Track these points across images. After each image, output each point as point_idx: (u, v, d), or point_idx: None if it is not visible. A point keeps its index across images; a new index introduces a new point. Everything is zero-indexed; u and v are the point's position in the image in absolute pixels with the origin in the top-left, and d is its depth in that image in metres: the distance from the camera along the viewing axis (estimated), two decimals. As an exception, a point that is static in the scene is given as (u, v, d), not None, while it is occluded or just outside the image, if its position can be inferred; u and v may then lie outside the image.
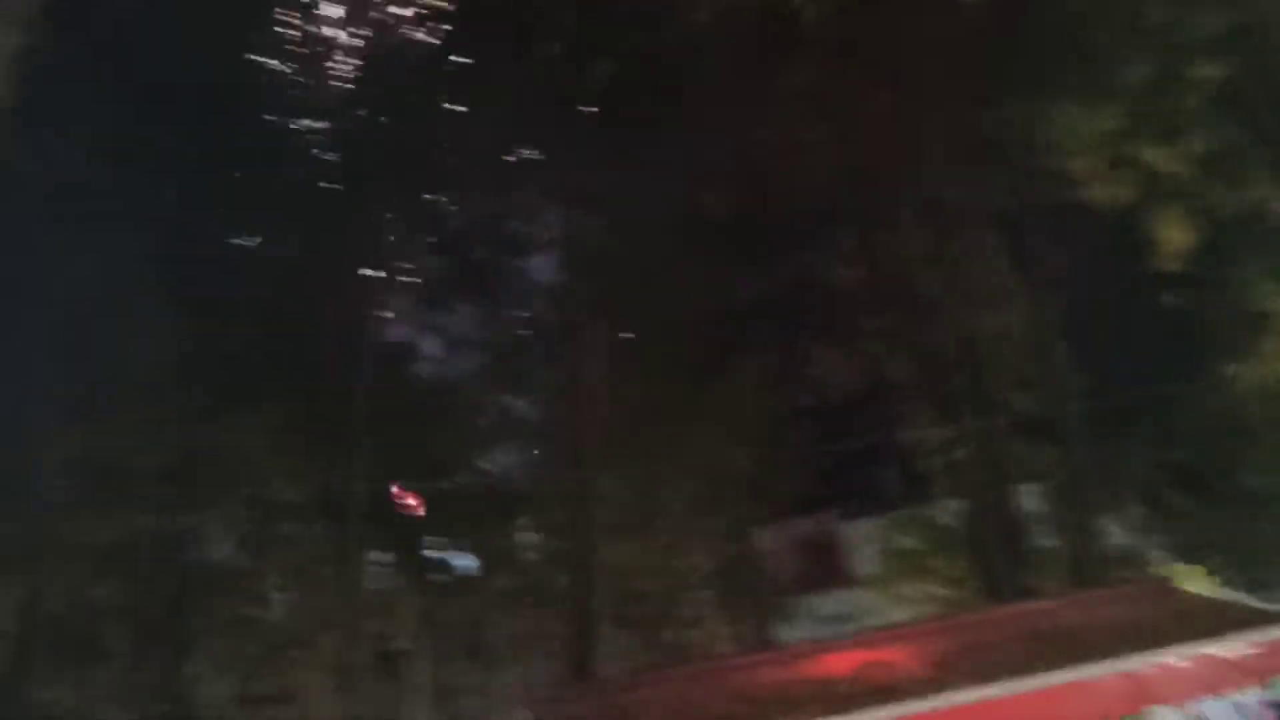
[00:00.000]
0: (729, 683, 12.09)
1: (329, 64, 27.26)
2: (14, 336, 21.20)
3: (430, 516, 31.71)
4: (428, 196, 29.17)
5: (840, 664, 12.24)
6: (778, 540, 35.65)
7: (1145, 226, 17.84)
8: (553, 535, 31.05)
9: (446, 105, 27.44)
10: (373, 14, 27.39)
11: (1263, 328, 19.30)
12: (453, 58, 27.21)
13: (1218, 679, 11.53)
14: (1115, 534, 26.05)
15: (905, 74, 23.49)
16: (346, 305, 27.75)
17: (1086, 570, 22.22)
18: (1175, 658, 11.43)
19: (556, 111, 26.08)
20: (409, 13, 27.41)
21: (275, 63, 26.60)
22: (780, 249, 26.22)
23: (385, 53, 27.50)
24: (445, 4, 28.08)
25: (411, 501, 30.88)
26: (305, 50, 26.95)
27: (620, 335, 26.58)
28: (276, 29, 26.47)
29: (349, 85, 27.46)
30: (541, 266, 29.57)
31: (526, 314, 29.90)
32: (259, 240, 27.71)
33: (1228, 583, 23.74)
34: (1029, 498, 26.10)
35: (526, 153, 27.47)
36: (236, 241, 27.73)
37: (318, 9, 27.10)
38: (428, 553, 33.70)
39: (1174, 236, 16.87)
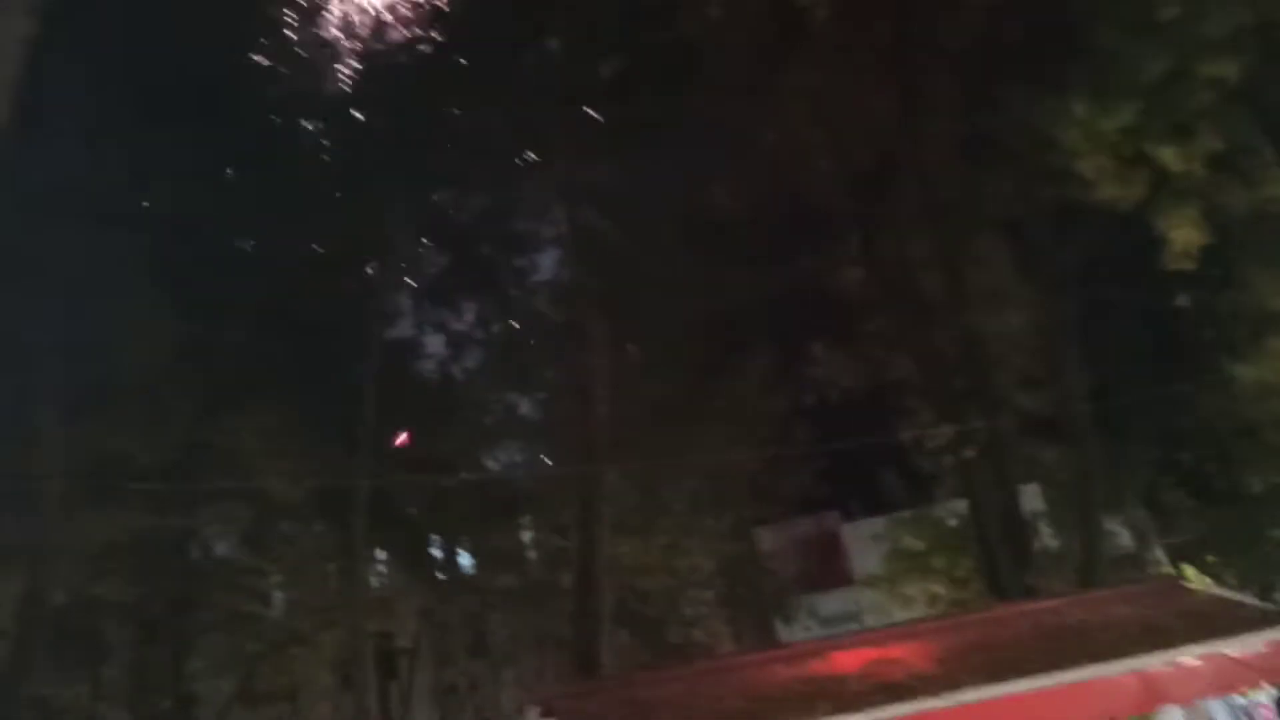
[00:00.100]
0: (740, 680, 12.06)
1: (334, 58, 27.19)
2: (16, 333, 21.20)
3: (433, 514, 31.70)
4: (432, 192, 29.10)
5: (850, 661, 12.20)
6: (781, 540, 35.72)
7: (1153, 226, 17.79)
8: (556, 533, 31.03)
9: (452, 100, 27.36)
10: (379, 8, 27.33)
11: (1268, 328, 19.26)
12: (459, 53, 27.14)
13: (1229, 678, 11.52)
14: (1120, 534, 26.11)
15: (912, 73, 23.51)
16: (350, 301, 27.73)
17: (1091, 570, 22.18)
18: (1186, 657, 11.41)
19: (563, 108, 26.03)
20: (416, 7, 27.34)
21: (278, 57, 26.52)
22: (786, 248, 26.18)
23: (391, 47, 27.44)
24: (452, -2, 28.07)
25: (405, 439, 30.72)
26: (310, 45, 26.88)
27: (625, 334, 26.48)
28: (280, 22, 26.39)
29: (353, 80, 27.39)
30: (546, 264, 29.60)
31: (531, 311, 29.84)
32: (261, 237, 27.61)
33: (1231, 583, 23.74)
34: (1033, 498, 26.16)
35: (532, 149, 27.37)
36: (239, 238, 27.68)
37: (323, 3, 27.05)
38: (430, 551, 33.73)
39: (1184, 236, 16.83)
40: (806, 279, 26.58)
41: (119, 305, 23.13)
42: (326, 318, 27.95)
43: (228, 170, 26.08)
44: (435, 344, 30.39)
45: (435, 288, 29.92)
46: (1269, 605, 15.32)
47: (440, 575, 34.12)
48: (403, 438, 30.18)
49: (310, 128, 27.29)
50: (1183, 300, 20.38)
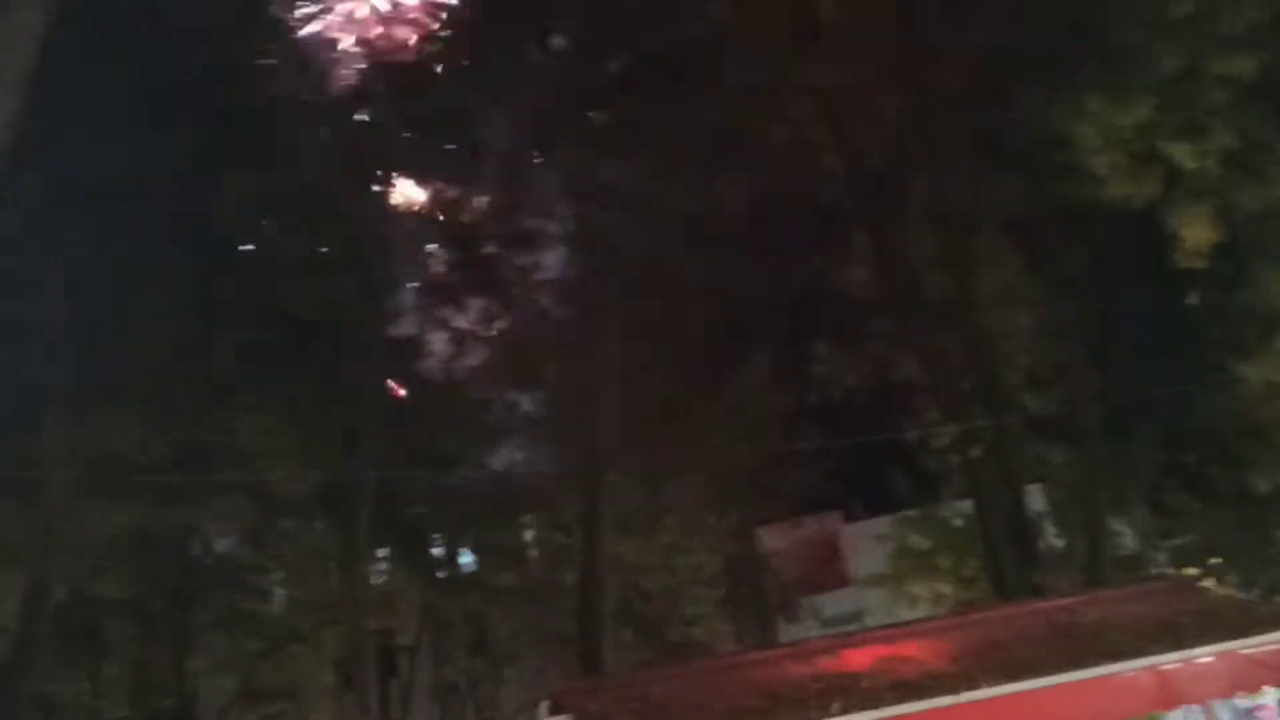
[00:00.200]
0: (751, 677, 11.99)
1: (341, 54, 27.18)
2: (19, 330, 21.15)
3: (435, 512, 31.65)
4: (437, 190, 29.07)
5: (862, 659, 12.13)
6: (784, 539, 35.65)
7: (1163, 224, 17.74)
8: (558, 532, 30.98)
9: (458, 97, 27.33)
10: (386, 5, 27.32)
11: (1278, 327, 19.20)
12: (467, 49, 27.12)
13: (1244, 677, 11.46)
14: (1125, 535, 26.04)
15: (921, 73, 23.47)
16: (353, 299, 27.67)
17: (1097, 570, 22.15)
18: (1201, 655, 11.35)
19: (570, 105, 26.00)
20: (424, 4, 27.33)
21: (284, 54, 26.49)
22: (793, 247, 26.14)
23: (398, 44, 27.43)
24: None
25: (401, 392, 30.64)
26: (317, 41, 26.86)
27: (630, 332, 26.42)
28: (285, 20, 26.37)
29: (359, 76, 27.37)
30: (552, 262, 29.49)
31: (536, 309, 29.76)
32: (265, 234, 27.57)
33: (1234, 586, 23.67)
34: (1037, 498, 26.10)
35: (539, 146, 27.34)
36: (242, 235, 27.63)
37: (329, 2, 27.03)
38: (431, 548, 33.68)
39: (1197, 234, 16.79)
40: (814, 278, 26.56)
41: (122, 301, 23.12)
42: (329, 315, 27.93)
43: (231, 167, 25.96)
44: (438, 341, 30.26)
45: (439, 285, 29.84)
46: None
47: (441, 573, 34.08)
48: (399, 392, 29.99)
49: (317, 122, 27.18)
50: (1192, 299, 20.26)
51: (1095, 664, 11.44)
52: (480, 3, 28.84)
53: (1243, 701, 12.43)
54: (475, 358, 30.49)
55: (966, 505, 26.70)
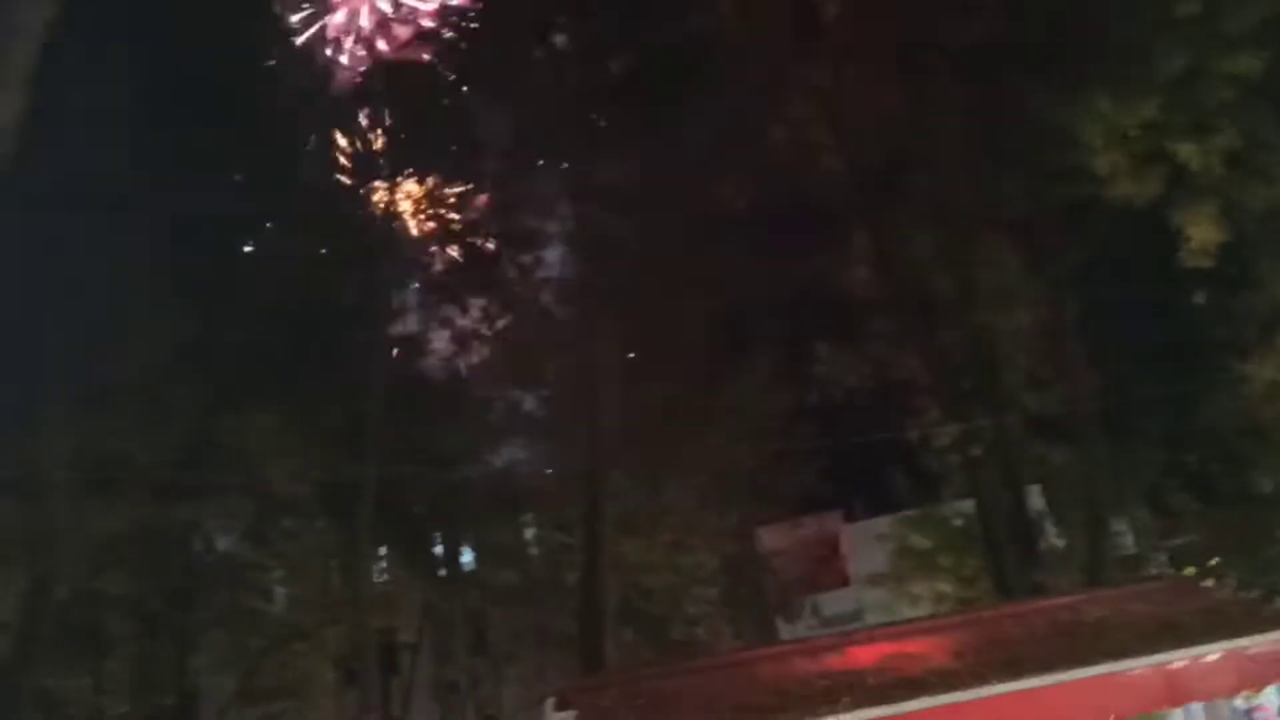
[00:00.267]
0: (757, 674, 11.99)
1: (345, 54, 27.19)
2: (22, 328, 21.14)
3: (436, 510, 31.66)
4: (439, 188, 29.09)
5: (867, 656, 12.13)
6: (784, 539, 35.67)
7: (1166, 224, 17.77)
8: (560, 530, 30.98)
9: (462, 95, 27.35)
10: (391, 4, 27.32)
11: (1278, 326, 19.23)
12: (470, 48, 27.13)
13: (1249, 676, 11.47)
14: (1127, 534, 26.05)
15: (922, 72, 23.48)
16: (356, 297, 27.71)
17: (1098, 570, 22.15)
18: (1206, 654, 11.36)
19: (571, 104, 26.00)
20: (428, 3, 27.34)
21: (288, 55, 26.50)
22: (793, 246, 26.13)
23: (402, 43, 27.44)
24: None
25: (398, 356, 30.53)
26: (321, 41, 26.88)
27: (631, 331, 26.43)
28: (292, 20, 26.38)
29: (363, 75, 27.39)
30: (553, 260, 29.54)
31: (538, 308, 29.78)
32: (268, 233, 27.58)
33: (1236, 586, 23.68)
34: (1036, 497, 26.11)
35: (540, 145, 27.35)
36: (245, 234, 27.64)
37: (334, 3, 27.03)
38: (433, 547, 33.68)
39: (1203, 233, 16.80)
40: (814, 277, 26.56)
41: (124, 301, 23.12)
42: (331, 314, 27.97)
43: (233, 168, 26.00)
44: (440, 340, 30.31)
45: (441, 284, 29.86)
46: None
47: (443, 571, 34.09)
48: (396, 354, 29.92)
49: (321, 122, 27.20)
50: (1198, 299, 20.28)
51: (1100, 662, 11.43)
52: (483, 2, 28.85)
53: (1241, 702, 12.49)
54: (476, 356, 30.54)
55: (967, 505, 26.74)
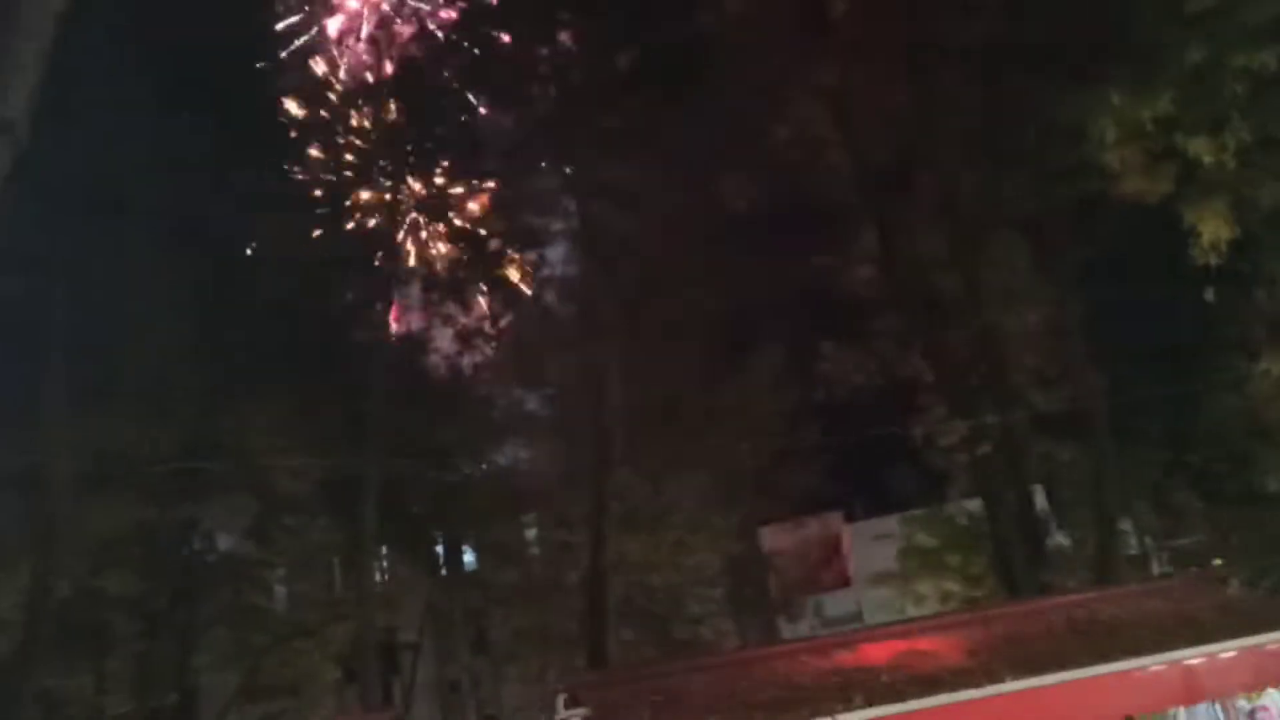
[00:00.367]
0: (770, 670, 11.91)
1: (350, 51, 27.12)
2: (27, 325, 21.11)
3: (439, 509, 31.58)
4: (446, 184, 29.03)
5: (879, 654, 12.07)
6: (787, 539, 35.58)
7: (1175, 221, 17.69)
8: (562, 529, 30.87)
9: (468, 92, 27.29)
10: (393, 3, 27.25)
11: (1285, 325, 19.18)
12: (477, 44, 27.05)
13: (1267, 672, 11.41)
14: (1133, 533, 25.98)
15: (929, 70, 23.42)
16: (360, 295, 27.65)
17: (1106, 569, 22.07)
18: (1223, 651, 11.29)
19: (578, 102, 25.94)
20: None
21: (294, 52, 26.46)
22: (800, 244, 26.09)
23: (408, 40, 27.37)
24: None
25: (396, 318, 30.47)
26: (326, 39, 26.82)
27: (636, 329, 26.34)
28: (295, 18, 26.31)
29: (370, 72, 27.32)
30: (558, 257, 29.49)
31: (542, 306, 29.71)
32: (272, 230, 27.50)
33: (1243, 585, 23.63)
34: (1048, 496, 26.05)
35: (546, 142, 27.27)
36: (249, 232, 27.59)
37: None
38: (435, 546, 33.58)
39: (1213, 229, 16.72)
40: (820, 276, 26.49)
41: (129, 297, 23.09)
42: (334, 312, 27.93)
43: (238, 165, 25.97)
44: (443, 338, 30.24)
45: (448, 280, 29.80)
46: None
47: (445, 570, 34.00)
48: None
49: (326, 118, 27.14)
50: (1208, 296, 20.20)
51: (1116, 659, 11.37)
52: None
53: (1244, 703, 12.41)
54: (479, 355, 30.48)
55: (972, 504, 26.67)
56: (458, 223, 30.52)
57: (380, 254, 29.29)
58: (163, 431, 24.40)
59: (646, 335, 27.02)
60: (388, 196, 29.37)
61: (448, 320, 30.27)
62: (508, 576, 32.90)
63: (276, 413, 26.08)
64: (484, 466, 32.48)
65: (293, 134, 29.06)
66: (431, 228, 31.23)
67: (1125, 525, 26.64)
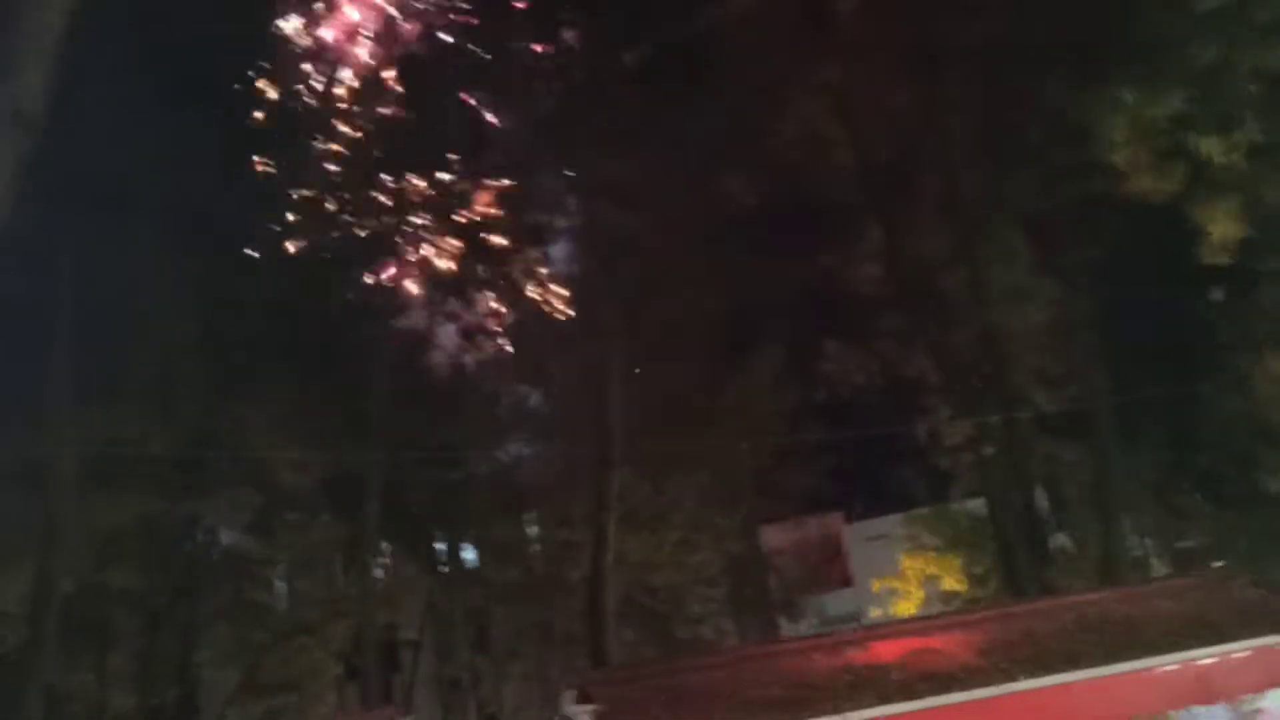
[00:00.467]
0: (780, 668, 11.91)
1: (352, 47, 26.98)
2: (31, 321, 21.06)
3: (440, 507, 31.55)
4: (450, 182, 28.89)
5: (890, 651, 12.06)
6: (790, 538, 35.60)
7: (1183, 221, 17.67)
8: (564, 527, 30.86)
9: (471, 88, 27.18)
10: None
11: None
12: (479, 41, 26.94)
13: (1278, 673, 11.39)
14: (1136, 534, 25.97)
15: (935, 68, 23.41)
16: (363, 292, 27.56)
17: (1110, 569, 22.07)
18: (1236, 651, 11.28)
19: (582, 100, 25.88)
20: (436, -3, 27.11)
21: (295, 45, 26.32)
22: (803, 243, 26.08)
23: (410, 35, 27.23)
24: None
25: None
26: (328, 33, 26.68)
27: (639, 327, 26.31)
28: (296, 12, 26.19)
29: (370, 68, 27.18)
30: (561, 255, 29.39)
31: (545, 304, 29.61)
32: (276, 227, 27.43)
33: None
34: (1052, 495, 26.04)
35: (549, 140, 27.21)
36: (252, 228, 27.49)
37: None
38: (436, 543, 33.56)
39: (1224, 229, 16.70)
40: (824, 274, 26.48)
41: (131, 292, 23.05)
42: (337, 309, 27.88)
43: (245, 159, 25.89)
44: (449, 335, 30.19)
45: (451, 278, 29.68)
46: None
47: (446, 568, 33.98)
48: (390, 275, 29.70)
49: (329, 113, 27.02)
50: (1216, 296, 20.19)
51: (1129, 659, 11.36)
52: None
53: (1246, 705, 12.38)
54: (482, 352, 30.38)
55: (975, 503, 26.66)
56: (460, 220, 30.38)
57: (383, 251, 29.19)
58: (166, 427, 24.37)
59: (649, 334, 27.00)
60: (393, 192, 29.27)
61: (451, 317, 30.21)
62: (509, 574, 32.90)
63: (279, 409, 26.07)
64: (487, 464, 32.42)
65: (297, 129, 28.94)
66: (434, 225, 31.11)
67: (1128, 526, 26.66)
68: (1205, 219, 16.79)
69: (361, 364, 28.37)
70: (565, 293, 28.68)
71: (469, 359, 31.08)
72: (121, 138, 21.85)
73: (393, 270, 28.55)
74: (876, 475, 33.27)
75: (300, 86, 27.17)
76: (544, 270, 29.46)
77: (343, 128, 28.02)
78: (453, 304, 30.00)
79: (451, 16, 27.84)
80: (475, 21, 27.81)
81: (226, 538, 28.60)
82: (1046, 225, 23.73)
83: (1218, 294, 18.62)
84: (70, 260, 22.06)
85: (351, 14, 27.63)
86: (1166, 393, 22.95)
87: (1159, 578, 21.96)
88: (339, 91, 28.03)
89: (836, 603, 38.25)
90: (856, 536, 39.67)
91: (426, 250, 29.86)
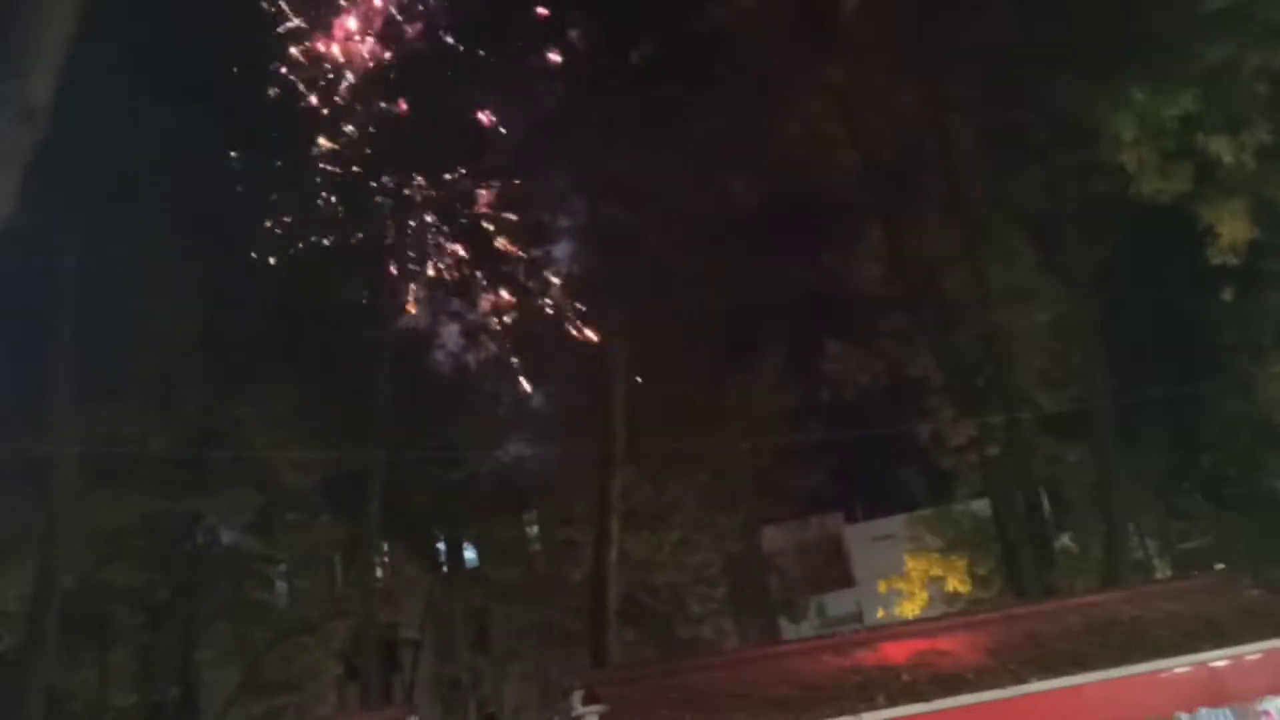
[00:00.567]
0: (788, 668, 11.87)
1: (357, 46, 26.99)
2: (33, 319, 21.00)
3: (442, 506, 31.50)
4: (453, 180, 28.90)
5: (898, 652, 12.03)
6: (791, 538, 35.59)
7: (1191, 221, 17.63)
8: (565, 527, 30.83)
9: (475, 88, 27.18)
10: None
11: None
12: (483, 40, 26.94)
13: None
14: (1139, 535, 25.95)
15: (939, 69, 23.39)
16: (366, 291, 27.55)
17: (1113, 571, 22.03)
18: (1246, 653, 11.25)
19: (585, 99, 25.85)
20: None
21: (302, 46, 26.34)
22: (807, 243, 26.06)
23: (415, 35, 27.23)
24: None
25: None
26: (334, 33, 26.69)
27: (643, 327, 26.26)
28: (303, 11, 26.21)
29: (376, 68, 27.19)
30: (564, 255, 29.41)
31: (548, 303, 29.62)
32: (279, 225, 27.42)
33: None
34: (1054, 496, 26.00)
35: (553, 139, 27.18)
36: (256, 226, 27.48)
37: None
38: (437, 543, 33.52)
39: (1233, 229, 16.66)
40: (827, 274, 26.44)
41: (133, 290, 22.99)
42: (340, 307, 27.85)
43: (245, 159, 25.88)
44: (452, 334, 30.19)
45: (454, 277, 29.70)
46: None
47: (446, 568, 33.95)
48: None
49: (334, 113, 27.04)
50: (1211, 299, 20.16)
51: (1137, 660, 11.33)
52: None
53: (1253, 708, 12.35)
54: (485, 351, 30.39)
55: (978, 504, 26.62)
56: (464, 219, 30.37)
57: (386, 249, 29.17)
58: (167, 426, 24.31)
59: (652, 333, 26.95)
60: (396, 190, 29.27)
61: (454, 316, 30.21)
62: (509, 574, 32.86)
63: (280, 408, 26.00)
64: (486, 464, 32.37)
65: (300, 127, 28.90)
66: (439, 223, 31.09)
67: (1138, 525, 26.63)
68: (1213, 219, 16.74)
69: (363, 363, 28.32)
70: (567, 292, 28.83)
71: (470, 358, 31.13)
72: (123, 136, 21.77)
73: (394, 270, 28.63)
74: (880, 476, 33.26)
75: (303, 86, 27.32)
76: (547, 270, 29.59)
77: (346, 127, 28.19)
78: (455, 303, 30.03)
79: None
80: (479, 21, 27.93)
81: (227, 536, 28.53)
82: (1049, 225, 23.69)
83: (1223, 295, 18.50)
84: (72, 258, 21.96)
85: (356, 14, 27.75)
86: (1169, 394, 22.93)
87: (1163, 579, 21.89)
88: (341, 90, 28.15)
89: (837, 603, 38.28)
90: (860, 537, 39.73)
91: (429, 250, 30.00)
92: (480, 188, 29.42)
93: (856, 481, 34.58)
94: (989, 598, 26.03)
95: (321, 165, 27.69)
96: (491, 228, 29.84)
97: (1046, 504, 24.94)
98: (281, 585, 30.45)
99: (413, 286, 29.76)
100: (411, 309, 29.35)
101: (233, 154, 25.47)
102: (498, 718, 34.77)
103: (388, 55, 27.98)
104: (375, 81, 27.98)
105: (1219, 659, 11.38)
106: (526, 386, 31.11)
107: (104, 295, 22.47)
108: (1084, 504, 25.54)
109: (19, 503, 21.75)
